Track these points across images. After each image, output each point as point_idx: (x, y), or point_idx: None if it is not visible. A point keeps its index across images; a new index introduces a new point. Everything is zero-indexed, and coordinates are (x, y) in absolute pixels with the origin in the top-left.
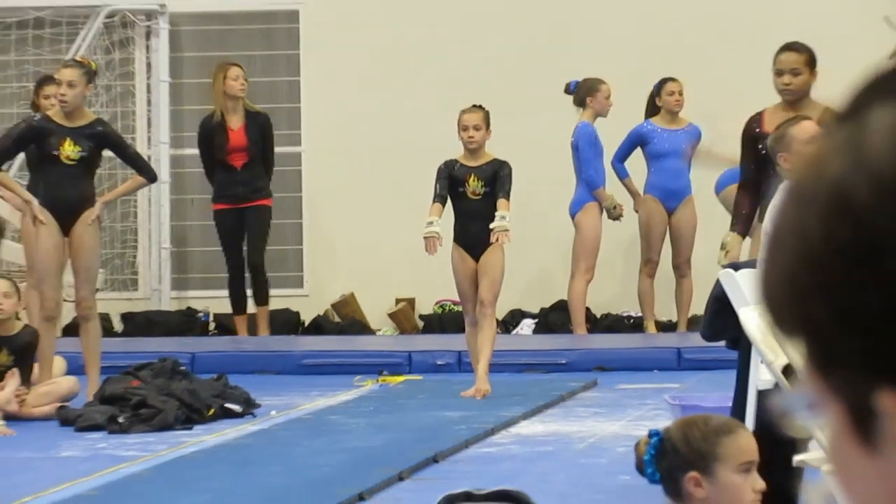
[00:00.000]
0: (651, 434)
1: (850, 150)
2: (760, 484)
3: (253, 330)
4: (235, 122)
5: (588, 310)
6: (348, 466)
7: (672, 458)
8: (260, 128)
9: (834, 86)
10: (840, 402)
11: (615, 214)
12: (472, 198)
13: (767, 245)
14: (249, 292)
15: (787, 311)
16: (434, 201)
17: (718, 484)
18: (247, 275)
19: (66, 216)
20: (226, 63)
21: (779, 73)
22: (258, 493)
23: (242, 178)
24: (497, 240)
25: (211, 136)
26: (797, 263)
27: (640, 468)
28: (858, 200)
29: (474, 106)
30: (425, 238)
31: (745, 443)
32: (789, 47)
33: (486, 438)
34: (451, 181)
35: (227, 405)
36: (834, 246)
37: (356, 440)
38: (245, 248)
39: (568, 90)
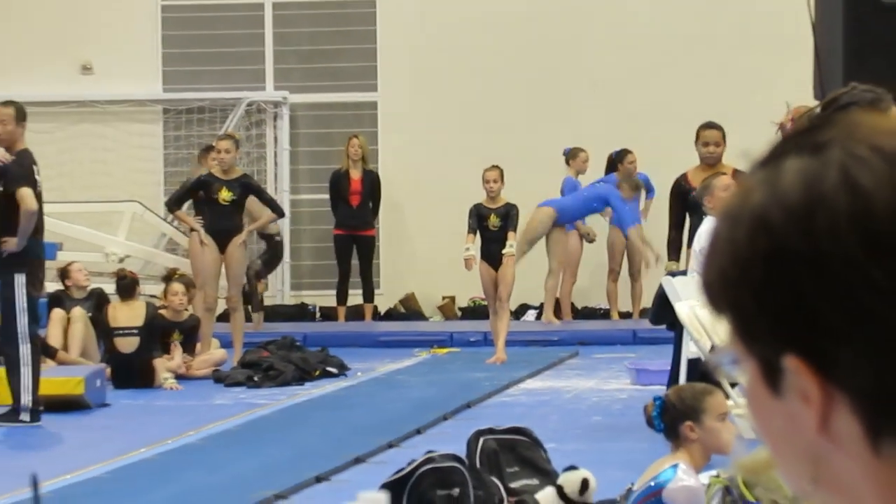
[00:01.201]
0: (655, 399)
1: (769, 186)
2: (733, 427)
3: (353, 318)
4: (355, 174)
5: (572, 303)
6: (409, 410)
7: (672, 413)
8: (372, 181)
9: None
10: (755, 361)
11: (589, 239)
12: (493, 229)
13: (707, 251)
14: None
15: (720, 296)
16: (469, 232)
17: (706, 428)
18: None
19: (223, 240)
20: (351, 135)
21: (705, 143)
22: (349, 428)
23: (356, 213)
24: (506, 259)
25: (338, 182)
26: (728, 263)
27: (650, 422)
28: (773, 221)
29: (494, 166)
30: (465, 258)
31: (720, 400)
32: (711, 125)
33: (502, 391)
34: (478, 218)
35: (328, 368)
36: (755, 252)
37: (415, 392)
38: (353, 262)
39: (564, 153)
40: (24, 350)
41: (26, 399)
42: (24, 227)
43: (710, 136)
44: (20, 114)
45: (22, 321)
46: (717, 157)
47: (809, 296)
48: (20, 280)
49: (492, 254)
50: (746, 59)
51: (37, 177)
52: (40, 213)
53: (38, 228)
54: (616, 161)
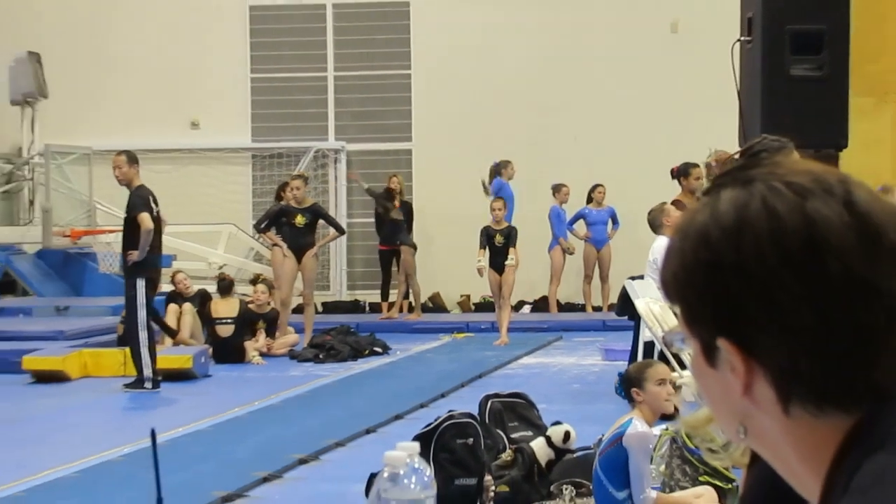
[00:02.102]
0: (618, 374)
1: (709, 209)
2: (670, 389)
3: (399, 311)
4: (395, 203)
5: (558, 300)
6: (435, 380)
7: (626, 382)
8: (407, 209)
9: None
10: (697, 341)
11: (570, 252)
12: (498, 245)
13: (664, 257)
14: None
15: (672, 292)
16: (480, 248)
17: (647, 392)
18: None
19: (299, 253)
20: (392, 175)
21: (697, 178)
22: (390, 393)
23: (397, 232)
24: (508, 268)
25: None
26: (679, 268)
27: (617, 390)
28: (711, 237)
29: (498, 197)
30: (477, 268)
31: (659, 369)
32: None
33: (505, 366)
34: (487, 237)
35: (375, 349)
36: (698, 260)
37: (439, 367)
38: (393, 269)
39: (552, 188)
40: (143, 336)
41: (147, 372)
42: (142, 243)
43: (698, 172)
44: (131, 158)
45: (141, 314)
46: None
47: (737, 294)
48: (141, 283)
49: (497, 264)
50: (689, 116)
51: (153, 205)
52: (159, 232)
53: (157, 244)
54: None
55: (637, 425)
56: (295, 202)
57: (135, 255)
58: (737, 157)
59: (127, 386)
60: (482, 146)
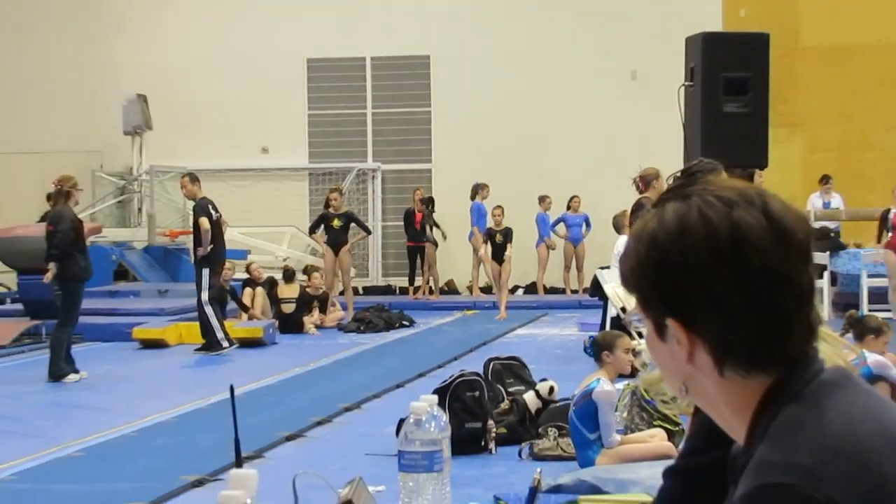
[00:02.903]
0: (589, 337)
1: (658, 218)
2: (632, 357)
3: (422, 293)
4: (418, 211)
5: (544, 285)
6: (450, 346)
7: (597, 347)
8: (430, 213)
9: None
10: (651, 320)
11: (552, 248)
12: (498, 242)
13: (623, 255)
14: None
15: (630, 282)
16: (483, 243)
17: (616, 357)
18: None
19: (336, 248)
20: (416, 188)
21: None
22: (415, 356)
23: (419, 233)
24: (506, 259)
25: (409, 215)
26: (635, 264)
27: (586, 351)
28: (659, 240)
29: (498, 206)
30: (480, 257)
31: (626, 340)
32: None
33: (504, 335)
34: (489, 236)
35: (403, 322)
36: (649, 258)
37: (453, 336)
38: (417, 261)
39: (538, 198)
40: (208, 309)
41: (220, 335)
42: (204, 241)
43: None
44: (192, 178)
45: (204, 295)
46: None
47: (681, 284)
48: (205, 272)
49: (497, 256)
50: (645, 142)
51: (213, 212)
52: (220, 233)
53: (219, 241)
54: (569, 202)
55: (604, 385)
56: (333, 209)
57: (200, 251)
58: (678, 175)
59: (197, 350)
60: (484, 165)
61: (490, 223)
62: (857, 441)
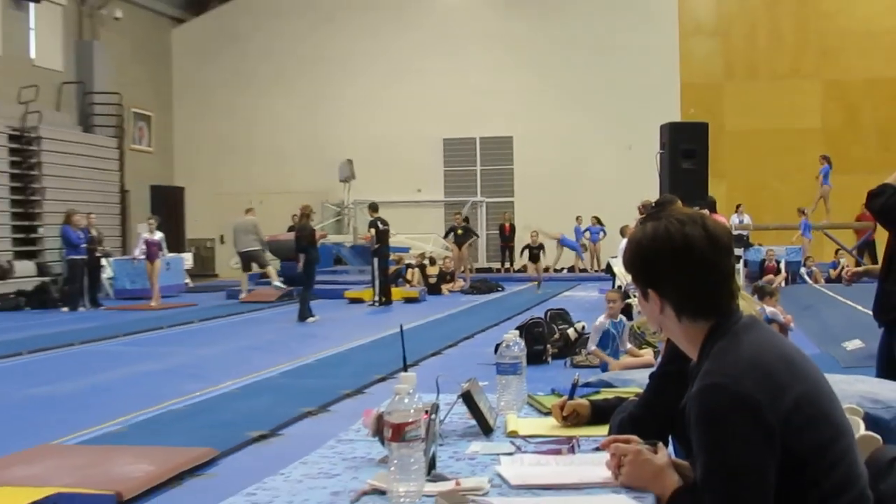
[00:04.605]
0: (601, 291)
1: (642, 231)
2: (616, 307)
3: (507, 272)
4: (507, 225)
5: (578, 267)
6: (524, 303)
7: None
8: (513, 227)
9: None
10: (640, 289)
11: (584, 247)
12: (534, 251)
13: (624, 252)
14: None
15: (628, 267)
16: (523, 250)
17: (609, 307)
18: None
19: (460, 246)
20: (504, 212)
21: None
22: (503, 308)
23: (509, 238)
24: (540, 261)
25: (502, 228)
26: (630, 258)
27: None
28: (642, 244)
29: (534, 230)
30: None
31: (613, 295)
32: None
33: (554, 297)
34: (528, 248)
35: (498, 289)
36: (634, 255)
37: (526, 298)
38: (506, 253)
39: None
40: (375, 283)
41: (380, 296)
42: (371, 242)
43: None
44: (372, 207)
45: (377, 272)
46: None
47: (654, 269)
48: (375, 260)
49: (534, 259)
50: (637, 186)
51: (380, 225)
52: (387, 237)
53: (383, 241)
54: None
55: (599, 319)
56: (457, 223)
57: (369, 244)
58: (654, 204)
59: (370, 304)
60: (542, 198)
61: (528, 240)
62: (761, 358)
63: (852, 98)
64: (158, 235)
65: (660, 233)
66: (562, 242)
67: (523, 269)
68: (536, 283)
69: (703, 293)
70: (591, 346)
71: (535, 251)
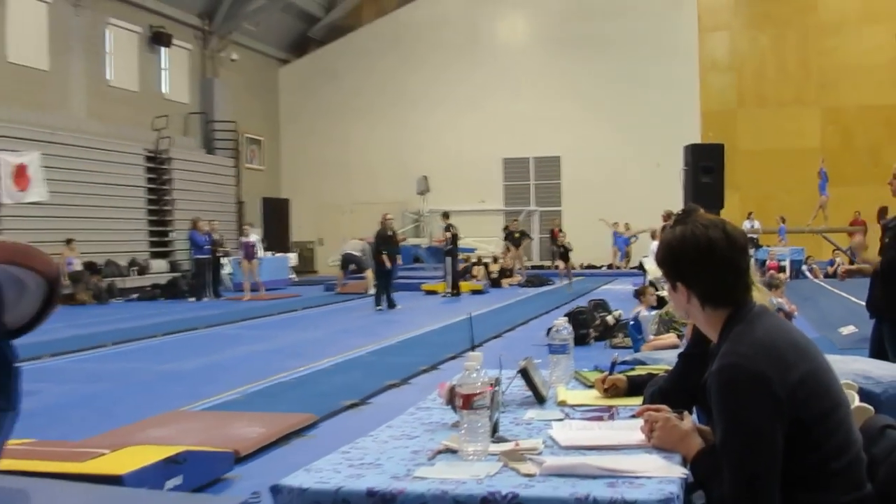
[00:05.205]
0: (634, 285)
1: (671, 233)
2: (651, 300)
3: (555, 268)
4: (556, 231)
5: (614, 265)
6: (571, 295)
7: (637, 294)
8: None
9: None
10: (670, 282)
11: (630, 237)
12: (561, 251)
13: (657, 252)
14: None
15: (660, 264)
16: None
17: (647, 297)
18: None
19: (517, 247)
20: (554, 217)
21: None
22: (554, 298)
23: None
24: (569, 260)
25: (552, 233)
26: (661, 256)
27: (634, 295)
28: (672, 244)
29: (561, 230)
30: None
31: (650, 289)
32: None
33: (594, 290)
34: (561, 248)
35: (547, 283)
36: (666, 253)
37: (573, 290)
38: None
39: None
40: (448, 279)
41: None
42: (443, 245)
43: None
44: (444, 214)
45: (449, 269)
46: None
47: (682, 266)
48: (447, 259)
49: (564, 258)
50: (664, 197)
51: (452, 229)
52: (456, 240)
53: (454, 243)
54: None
55: (643, 312)
56: (513, 229)
57: (443, 245)
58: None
59: (443, 295)
60: (585, 207)
61: (561, 240)
62: (772, 341)
63: (847, 122)
64: (254, 238)
65: (687, 235)
66: (619, 241)
67: (555, 267)
68: (567, 282)
69: (723, 286)
70: (650, 336)
71: (565, 251)
